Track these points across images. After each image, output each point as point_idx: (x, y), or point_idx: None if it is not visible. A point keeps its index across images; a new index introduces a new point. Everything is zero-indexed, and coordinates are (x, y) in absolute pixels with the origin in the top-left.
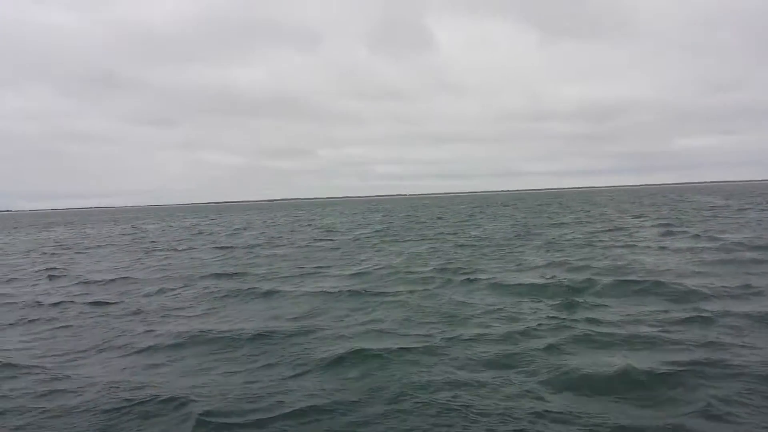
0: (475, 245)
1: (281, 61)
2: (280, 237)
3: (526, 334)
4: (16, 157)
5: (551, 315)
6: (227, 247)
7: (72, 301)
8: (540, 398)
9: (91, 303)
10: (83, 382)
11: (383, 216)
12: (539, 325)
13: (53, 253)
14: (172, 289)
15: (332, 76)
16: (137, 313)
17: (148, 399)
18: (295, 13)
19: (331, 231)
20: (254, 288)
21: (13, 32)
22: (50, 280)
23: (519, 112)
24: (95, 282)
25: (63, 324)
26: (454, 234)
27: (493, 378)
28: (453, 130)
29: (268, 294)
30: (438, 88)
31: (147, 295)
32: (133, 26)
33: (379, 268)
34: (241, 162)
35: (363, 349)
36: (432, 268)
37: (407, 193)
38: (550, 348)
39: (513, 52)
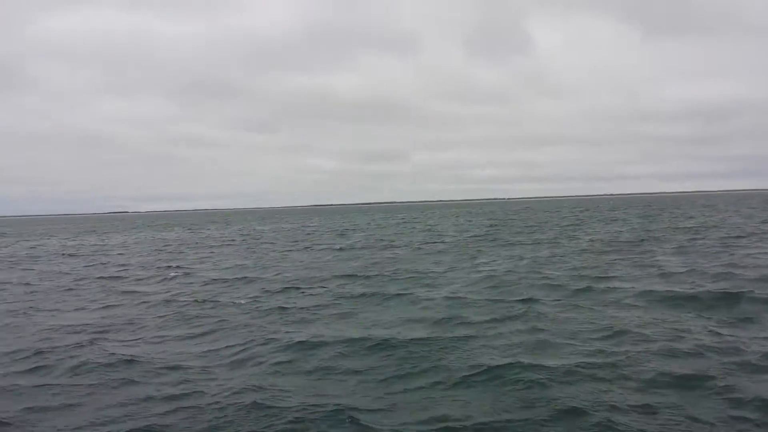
0: (602, 250)
1: (378, 66)
2: (390, 239)
3: (701, 350)
4: (133, 163)
5: (718, 330)
6: (342, 249)
7: (214, 300)
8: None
9: (227, 302)
10: (227, 384)
11: (486, 219)
12: (713, 341)
13: (180, 252)
14: (303, 289)
15: (429, 79)
16: (275, 313)
17: (304, 406)
18: (393, 19)
19: (439, 234)
20: (383, 291)
21: (130, 45)
22: (183, 276)
23: (619, 113)
24: (223, 280)
25: (201, 325)
26: (571, 238)
27: (682, 399)
28: (550, 132)
29: (400, 297)
30: (535, 89)
31: (280, 295)
32: (239, 37)
33: (506, 273)
34: (338, 166)
35: (520, 363)
36: (562, 273)
37: (505, 197)
38: (742, 365)
39: (613, 51)
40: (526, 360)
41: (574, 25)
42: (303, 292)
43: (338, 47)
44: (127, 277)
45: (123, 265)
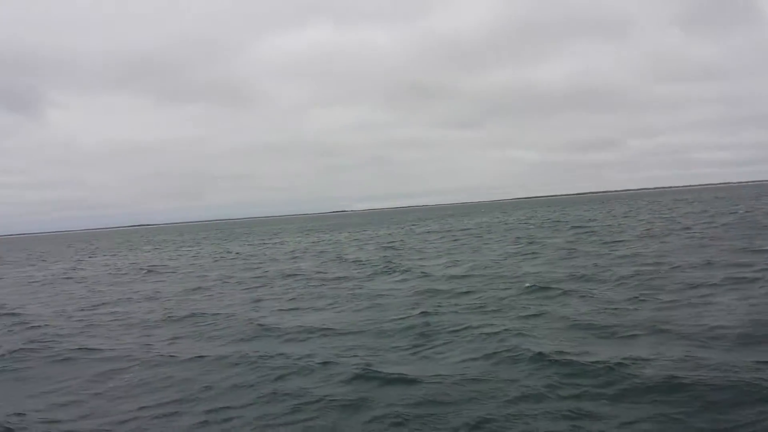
0: None
1: (586, 53)
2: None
3: None
4: (351, 166)
5: None
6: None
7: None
8: None
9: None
10: None
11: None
12: None
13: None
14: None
15: (643, 62)
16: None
17: None
18: (600, 4)
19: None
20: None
21: (347, 57)
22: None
23: None
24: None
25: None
26: None
27: None
28: None
29: None
30: (766, 63)
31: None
32: (441, 37)
33: None
34: (545, 157)
35: None
36: None
37: (735, 181)
38: None
39: None
40: None
41: None
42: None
43: (542, 39)
44: None
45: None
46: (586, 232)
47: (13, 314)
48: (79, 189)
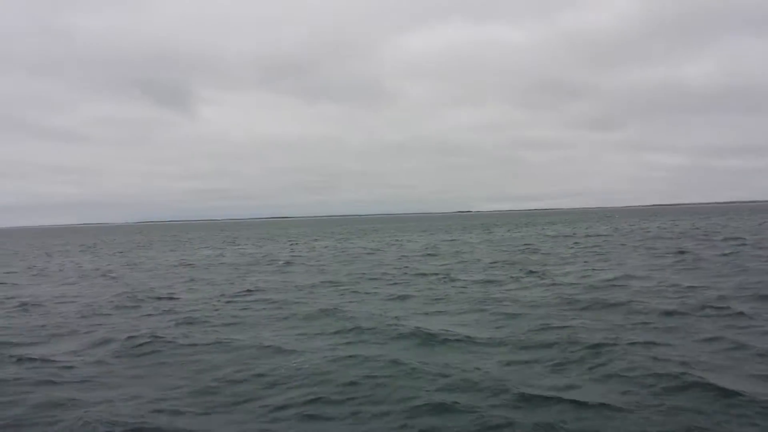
0: None
1: (737, 50)
2: None
3: None
4: (478, 166)
5: None
6: None
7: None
8: None
9: None
10: None
11: None
12: None
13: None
14: None
15: None
16: None
17: None
18: None
19: None
20: None
21: (475, 56)
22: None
23: None
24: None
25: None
26: None
27: None
28: None
29: None
30: None
31: None
32: (579, 35)
33: None
34: (686, 162)
35: None
36: None
37: None
38: None
39: None
40: None
41: None
42: None
43: (687, 34)
44: None
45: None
46: (742, 244)
47: (167, 298)
48: (226, 181)
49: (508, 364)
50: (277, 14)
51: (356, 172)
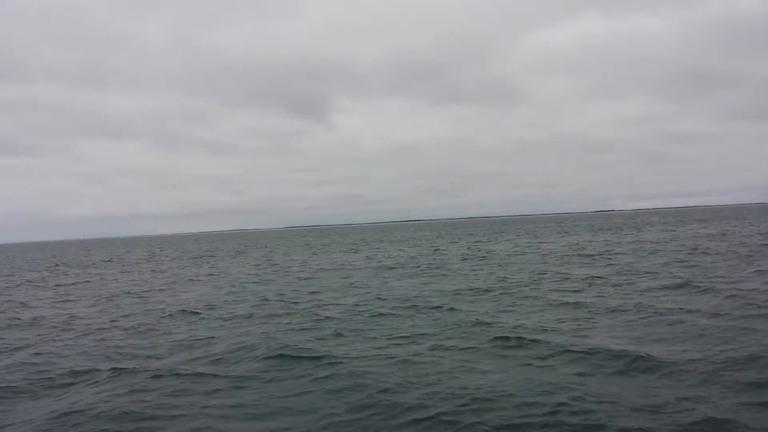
0: None
1: None
2: None
3: None
4: (619, 162)
5: None
6: None
7: None
8: None
9: None
10: None
11: None
12: None
13: None
14: None
15: None
16: None
17: None
18: None
19: None
20: None
21: (613, 47)
22: None
23: None
24: None
25: None
26: None
27: None
28: None
29: None
30: None
31: None
32: (725, 20)
33: None
34: None
35: None
36: None
37: None
38: None
39: None
40: None
41: None
42: None
43: None
44: None
45: None
46: None
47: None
48: (360, 186)
49: None
50: (410, 19)
51: (488, 173)
